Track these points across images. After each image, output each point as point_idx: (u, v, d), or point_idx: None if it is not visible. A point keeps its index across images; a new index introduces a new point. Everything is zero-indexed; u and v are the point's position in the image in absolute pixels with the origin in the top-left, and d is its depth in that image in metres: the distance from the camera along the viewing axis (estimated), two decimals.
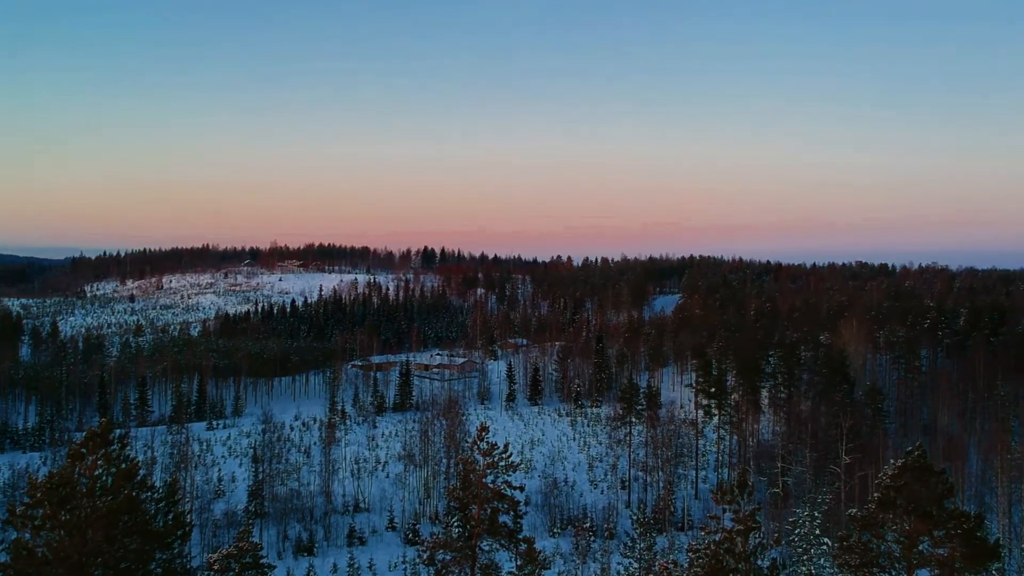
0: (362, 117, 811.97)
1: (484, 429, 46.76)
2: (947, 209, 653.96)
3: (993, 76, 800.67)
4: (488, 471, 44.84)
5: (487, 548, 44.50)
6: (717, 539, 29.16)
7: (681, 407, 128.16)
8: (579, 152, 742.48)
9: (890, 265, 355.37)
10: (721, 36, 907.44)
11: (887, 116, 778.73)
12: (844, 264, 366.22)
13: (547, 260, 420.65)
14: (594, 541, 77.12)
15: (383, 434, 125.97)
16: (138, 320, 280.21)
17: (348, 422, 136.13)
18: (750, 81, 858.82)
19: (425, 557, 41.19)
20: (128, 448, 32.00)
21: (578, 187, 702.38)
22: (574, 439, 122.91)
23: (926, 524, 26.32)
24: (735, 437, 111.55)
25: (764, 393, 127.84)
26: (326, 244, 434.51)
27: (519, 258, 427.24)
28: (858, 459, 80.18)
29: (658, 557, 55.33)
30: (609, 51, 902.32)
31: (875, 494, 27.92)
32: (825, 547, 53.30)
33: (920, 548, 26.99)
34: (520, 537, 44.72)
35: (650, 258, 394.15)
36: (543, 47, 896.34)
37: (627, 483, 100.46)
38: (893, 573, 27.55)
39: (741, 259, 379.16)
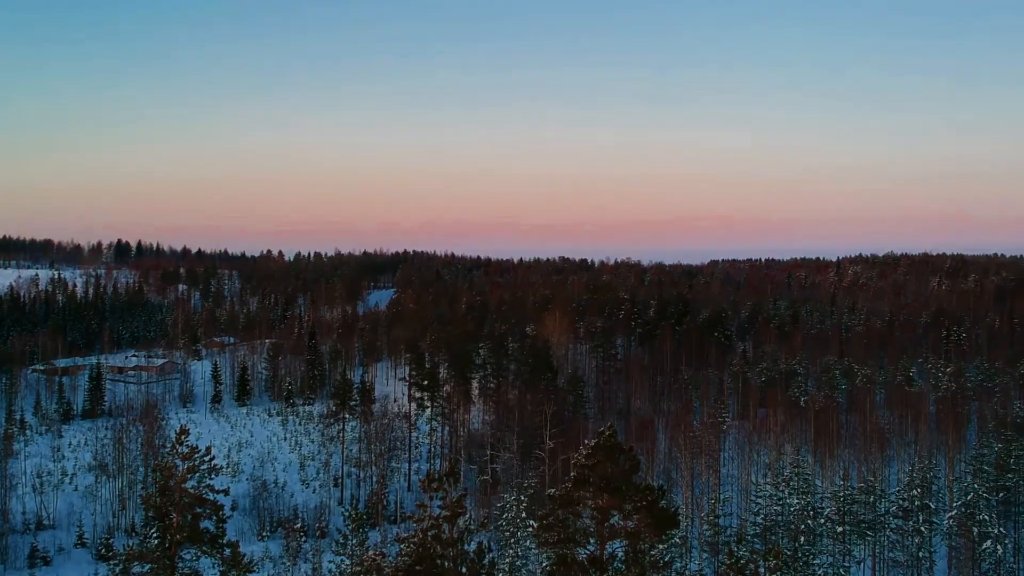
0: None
1: (184, 432, 44.07)
2: (640, 211, 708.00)
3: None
4: (189, 475, 42.34)
5: (189, 557, 42.08)
6: (424, 526, 29.34)
7: (395, 401, 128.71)
8: (302, 148, 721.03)
9: (589, 260, 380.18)
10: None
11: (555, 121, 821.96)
12: (548, 259, 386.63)
13: (256, 255, 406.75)
14: (305, 541, 75.83)
15: (71, 444, 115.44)
16: None
17: (29, 432, 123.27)
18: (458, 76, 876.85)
19: (119, 571, 38.14)
20: None
21: (291, 182, 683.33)
22: (285, 439, 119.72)
23: (616, 499, 27.98)
24: (447, 428, 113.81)
25: (475, 384, 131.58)
26: None
27: (226, 252, 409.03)
28: (561, 443, 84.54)
29: (370, 551, 54.94)
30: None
31: (572, 473, 29.29)
32: (531, 529, 55.42)
33: (612, 522, 28.67)
34: (224, 542, 42.65)
35: (364, 253, 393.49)
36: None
37: (340, 480, 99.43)
38: (589, 547, 29.03)
39: (453, 254, 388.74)
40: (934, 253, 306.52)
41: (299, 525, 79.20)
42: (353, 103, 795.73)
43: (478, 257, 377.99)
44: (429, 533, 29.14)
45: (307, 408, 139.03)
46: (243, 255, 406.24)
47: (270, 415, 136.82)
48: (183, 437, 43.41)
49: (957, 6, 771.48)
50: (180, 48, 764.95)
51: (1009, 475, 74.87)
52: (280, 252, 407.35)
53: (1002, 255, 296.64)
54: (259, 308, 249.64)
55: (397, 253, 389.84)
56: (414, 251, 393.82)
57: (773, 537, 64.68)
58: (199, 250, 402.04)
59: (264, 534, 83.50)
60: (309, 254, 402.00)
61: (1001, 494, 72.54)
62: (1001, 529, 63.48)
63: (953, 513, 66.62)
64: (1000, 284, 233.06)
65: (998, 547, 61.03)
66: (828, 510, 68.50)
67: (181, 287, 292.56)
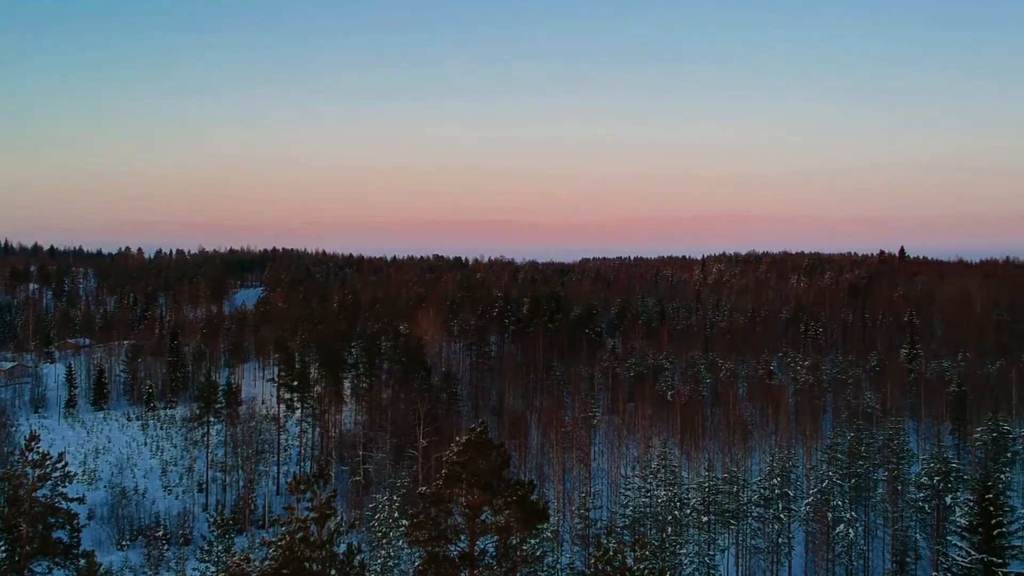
0: None
1: (34, 438, 41.97)
2: (512, 210, 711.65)
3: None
4: (40, 484, 40.27)
5: (41, 569, 40.09)
6: (291, 529, 28.57)
7: (263, 402, 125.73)
8: (162, 143, 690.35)
9: (464, 258, 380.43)
10: None
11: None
12: (422, 257, 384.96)
13: (114, 252, 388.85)
14: (168, 549, 73.35)
15: None
16: None
17: None
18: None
19: None
20: None
21: (151, 177, 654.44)
22: (146, 444, 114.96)
23: (487, 494, 27.93)
24: (318, 429, 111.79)
25: (347, 384, 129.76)
26: None
27: (80, 250, 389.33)
28: (435, 441, 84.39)
29: (236, 556, 53.41)
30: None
31: (443, 471, 29.08)
32: (403, 528, 54.99)
33: (483, 518, 28.61)
34: (79, 552, 40.73)
35: (230, 250, 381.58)
36: None
37: (205, 485, 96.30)
38: (460, 544, 28.88)
39: (324, 252, 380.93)
40: (793, 252, 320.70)
41: (161, 533, 76.44)
42: (226, 96, 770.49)
43: (350, 255, 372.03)
44: (296, 536, 28.37)
45: (169, 412, 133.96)
46: (99, 252, 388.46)
47: (129, 419, 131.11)
48: (33, 444, 41.23)
49: None
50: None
51: (860, 462, 79.02)
52: (139, 249, 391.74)
53: (855, 253, 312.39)
54: (117, 308, 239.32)
55: (265, 250, 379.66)
56: (283, 248, 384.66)
57: (642, 528, 66.21)
58: (51, 247, 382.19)
59: (124, 543, 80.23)
60: (171, 251, 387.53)
61: (853, 480, 76.45)
62: (852, 513, 66.89)
63: (810, 500, 69.77)
64: (853, 281, 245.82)
65: (850, 531, 64.28)
66: (694, 500, 70.64)
67: (32, 286, 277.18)
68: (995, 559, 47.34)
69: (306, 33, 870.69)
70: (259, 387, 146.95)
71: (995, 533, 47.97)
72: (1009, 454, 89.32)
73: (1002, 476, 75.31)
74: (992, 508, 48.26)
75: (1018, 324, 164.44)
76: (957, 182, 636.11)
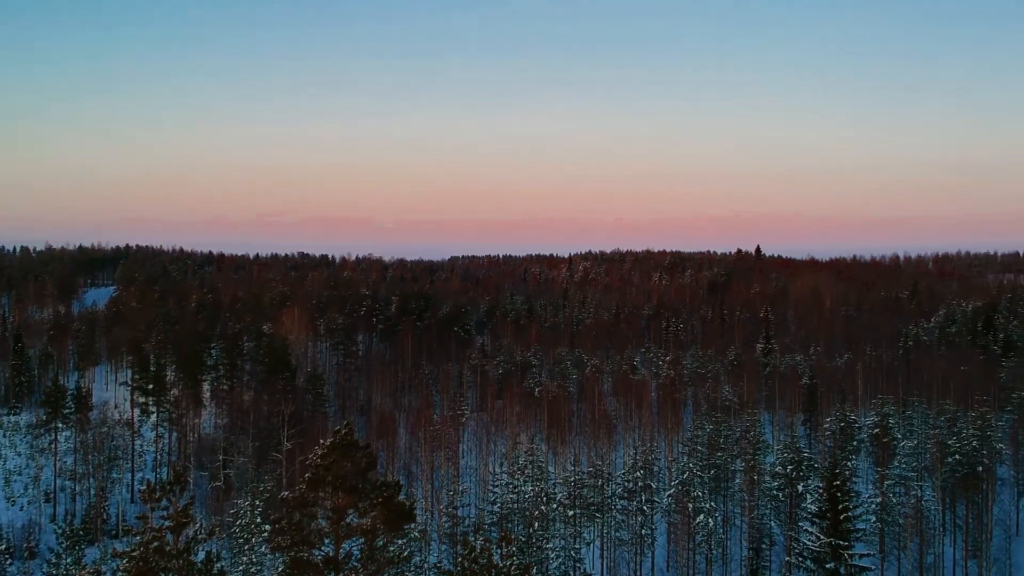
0: None
1: None
2: (383, 207, 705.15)
3: None
4: None
5: None
6: (146, 539, 27.25)
7: (116, 407, 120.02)
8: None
9: (331, 256, 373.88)
10: None
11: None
12: (287, 255, 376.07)
13: None
14: (11, 564, 69.16)
15: None
16: None
17: None
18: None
19: None
20: None
21: None
22: None
23: (352, 497, 27.39)
24: (175, 434, 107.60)
25: (206, 386, 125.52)
26: None
27: None
28: (300, 444, 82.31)
29: (86, 569, 50.71)
30: None
31: (307, 474, 28.36)
32: (266, 534, 53.46)
33: (348, 520, 28.03)
34: None
35: (80, 247, 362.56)
36: None
37: (53, 495, 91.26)
38: (325, 548, 28.22)
39: (182, 249, 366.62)
40: (656, 250, 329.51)
41: (4, 546, 71.88)
42: (74, 87, 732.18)
43: (210, 252, 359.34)
44: (151, 546, 27.05)
45: (13, 418, 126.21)
46: None
47: None
48: None
49: None
50: None
51: (719, 453, 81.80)
52: None
53: (713, 252, 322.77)
54: None
55: (118, 248, 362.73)
56: (138, 246, 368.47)
57: (509, 524, 66.47)
58: None
59: None
60: (14, 248, 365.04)
61: (712, 471, 79.02)
62: (712, 503, 69.12)
63: (671, 491, 71.69)
64: (712, 279, 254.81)
65: (710, 520, 66.39)
66: (560, 495, 71.45)
67: None
68: (842, 542, 49.69)
69: (170, 26, 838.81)
70: (111, 391, 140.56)
71: (842, 518, 50.34)
72: (855, 442, 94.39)
73: (848, 463, 79.44)
74: (839, 494, 50.63)
75: (864, 319, 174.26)
76: (809, 185, 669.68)
